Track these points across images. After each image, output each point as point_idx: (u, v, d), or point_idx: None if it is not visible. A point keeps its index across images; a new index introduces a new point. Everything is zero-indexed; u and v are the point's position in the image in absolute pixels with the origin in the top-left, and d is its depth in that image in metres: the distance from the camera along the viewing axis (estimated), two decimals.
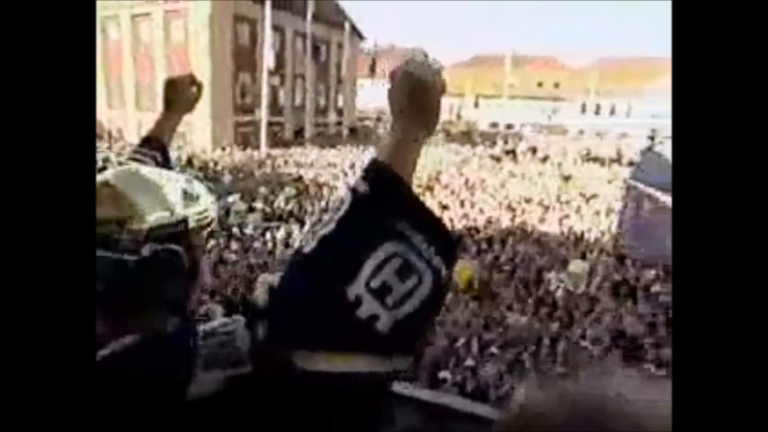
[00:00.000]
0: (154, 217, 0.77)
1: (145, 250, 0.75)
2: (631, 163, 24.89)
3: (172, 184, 0.83)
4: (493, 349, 5.75)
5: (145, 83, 24.64)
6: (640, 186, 6.31)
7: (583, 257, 9.62)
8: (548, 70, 50.67)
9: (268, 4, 19.79)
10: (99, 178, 0.81)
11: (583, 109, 47.04)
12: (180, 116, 1.32)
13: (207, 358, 0.65)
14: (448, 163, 20.26)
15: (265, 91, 20.94)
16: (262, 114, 20.30)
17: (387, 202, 0.65)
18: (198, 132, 23.63)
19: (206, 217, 0.85)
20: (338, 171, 17.91)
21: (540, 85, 50.69)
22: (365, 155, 21.93)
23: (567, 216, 13.22)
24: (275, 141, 24.59)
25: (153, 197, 0.79)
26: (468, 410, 1.52)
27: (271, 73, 21.94)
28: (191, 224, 0.81)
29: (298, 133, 28.16)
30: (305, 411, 0.63)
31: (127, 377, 0.66)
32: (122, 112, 25.89)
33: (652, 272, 8.63)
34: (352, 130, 33.46)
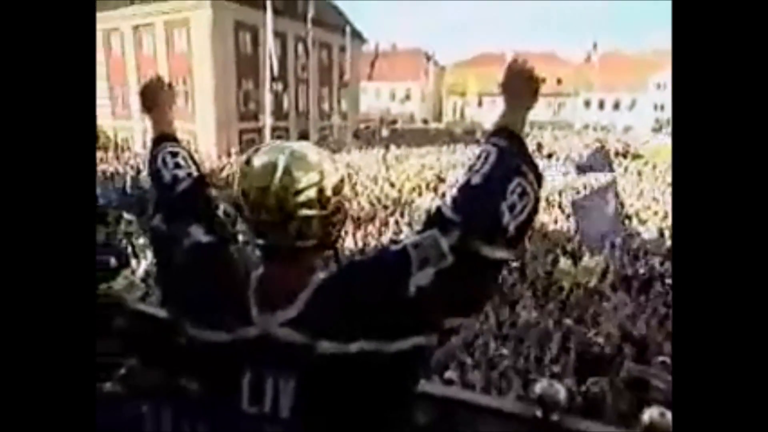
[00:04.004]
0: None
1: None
2: (636, 156, 24.85)
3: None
4: (504, 350, 5.73)
5: None
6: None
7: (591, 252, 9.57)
8: (550, 66, 50.51)
9: (269, 10, 19.86)
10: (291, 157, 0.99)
11: (587, 104, 46.88)
12: (170, 113, 1.38)
13: (419, 261, 0.92)
14: (454, 163, 20.23)
15: (268, 97, 21.00)
16: (266, 120, 20.36)
17: (514, 152, 1.03)
18: (203, 140, 23.75)
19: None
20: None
21: (543, 81, 50.36)
22: (370, 158, 21.93)
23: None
24: None
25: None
26: (480, 403, 1.52)
27: (274, 79, 22.00)
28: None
29: (303, 137, 28.24)
30: (487, 282, 1.01)
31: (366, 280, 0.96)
32: (128, 122, 26.07)
33: (663, 267, 8.57)
34: (356, 133, 33.50)
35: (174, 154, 1.26)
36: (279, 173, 0.95)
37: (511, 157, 1.02)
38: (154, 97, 1.35)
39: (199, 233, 1.10)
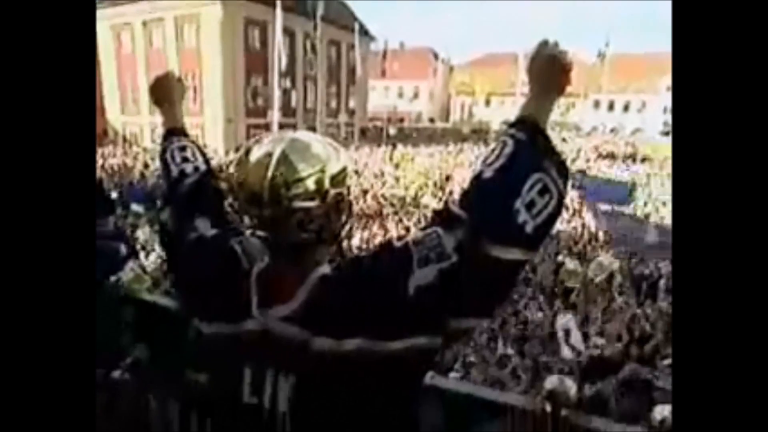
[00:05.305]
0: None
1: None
2: (644, 159, 24.67)
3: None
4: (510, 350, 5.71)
5: None
6: None
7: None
8: None
9: (278, 7, 19.87)
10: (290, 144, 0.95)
11: (596, 105, 46.58)
12: (180, 108, 1.38)
13: (421, 259, 0.88)
14: (462, 162, 20.18)
15: (277, 93, 21.03)
16: (274, 116, 20.40)
17: (536, 145, 0.93)
18: (210, 135, 23.84)
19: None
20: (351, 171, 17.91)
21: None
22: (375, 156, 21.91)
23: (579, 213, 13.14)
24: None
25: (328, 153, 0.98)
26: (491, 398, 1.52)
27: (282, 76, 22.03)
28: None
29: None
30: (498, 284, 0.93)
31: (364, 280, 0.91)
32: (137, 118, 26.20)
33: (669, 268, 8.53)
34: (363, 131, 33.48)
35: (182, 149, 1.27)
36: (273, 164, 0.91)
37: (530, 150, 0.92)
38: (165, 92, 1.35)
39: (204, 226, 1.11)
